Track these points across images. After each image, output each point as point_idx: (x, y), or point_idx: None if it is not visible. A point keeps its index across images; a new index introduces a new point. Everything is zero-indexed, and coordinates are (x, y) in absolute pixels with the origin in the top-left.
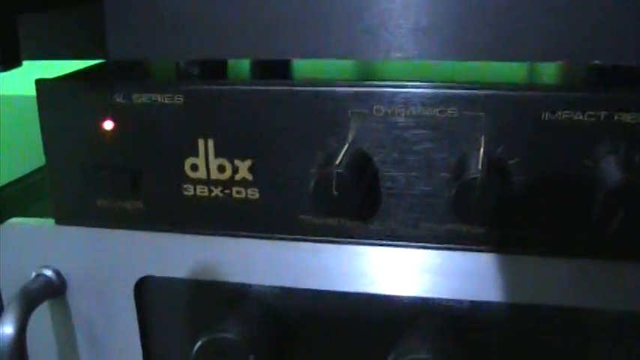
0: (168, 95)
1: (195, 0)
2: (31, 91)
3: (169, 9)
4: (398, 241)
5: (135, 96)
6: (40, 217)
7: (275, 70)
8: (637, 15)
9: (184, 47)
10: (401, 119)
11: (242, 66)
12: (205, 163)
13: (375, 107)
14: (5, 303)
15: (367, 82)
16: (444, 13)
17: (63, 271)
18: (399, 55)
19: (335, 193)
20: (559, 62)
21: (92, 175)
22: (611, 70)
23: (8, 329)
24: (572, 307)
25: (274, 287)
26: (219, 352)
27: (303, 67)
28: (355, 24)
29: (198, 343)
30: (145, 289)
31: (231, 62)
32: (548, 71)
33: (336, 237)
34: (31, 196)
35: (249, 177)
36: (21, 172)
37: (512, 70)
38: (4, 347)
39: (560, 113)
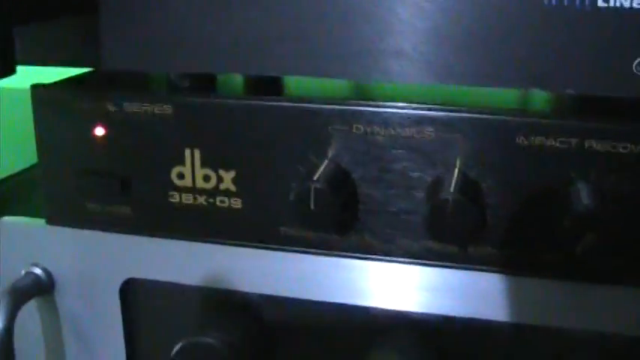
0: (158, 105)
1: (187, 14)
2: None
3: (162, 22)
4: (374, 254)
5: (126, 104)
6: (31, 214)
7: (267, 84)
8: (609, 47)
9: (176, 60)
10: (380, 138)
11: (233, 78)
12: (191, 172)
13: (354, 125)
14: None
15: (348, 101)
16: (424, 39)
17: (52, 270)
18: (380, 77)
19: (313, 207)
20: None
21: (83, 179)
22: (588, 99)
23: None
24: (539, 325)
25: (255, 294)
26: (198, 356)
27: (294, 82)
28: (340, 46)
29: (177, 346)
30: (131, 291)
31: (222, 75)
32: (535, 96)
33: (315, 248)
34: (25, 192)
35: (233, 187)
36: (16, 168)
37: (498, 93)
38: None
39: (533, 138)
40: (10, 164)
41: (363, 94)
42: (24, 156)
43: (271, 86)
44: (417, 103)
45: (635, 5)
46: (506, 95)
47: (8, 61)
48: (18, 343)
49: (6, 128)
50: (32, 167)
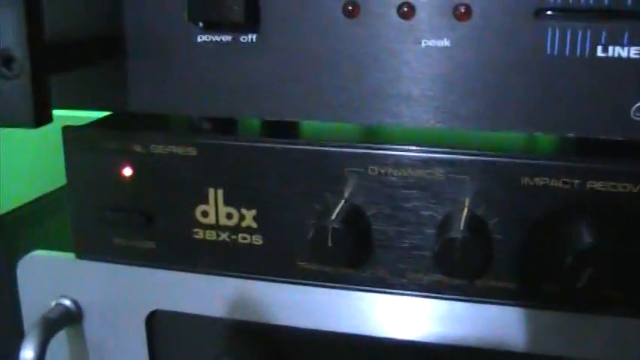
0: (183, 147)
1: (209, 59)
2: None
3: (185, 67)
4: (387, 288)
5: (152, 146)
6: (48, 241)
7: (284, 126)
8: (608, 93)
9: (197, 103)
10: (393, 178)
11: (252, 120)
12: (215, 210)
13: (369, 167)
14: (26, 330)
15: (363, 144)
16: (432, 85)
17: (80, 302)
18: (391, 121)
19: (330, 244)
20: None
21: (110, 216)
22: (590, 141)
23: (29, 354)
24: (546, 354)
25: (273, 325)
26: None
27: (310, 124)
28: (353, 92)
29: None
30: (156, 322)
31: None
32: (540, 138)
33: (331, 282)
34: (39, 220)
35: (254, 225)
36: (26, 197)
37: (504, 135)
38: None
39: (537, 179)
40: (17, 194)
41: (375, 137)
42: (27, 188)
43: (287, 128)
44: (427, 145)
45: (632, 55)
46: (512, 136)
47: (46, 110)
48: None
49: (9, 161)
50: (40, 198)
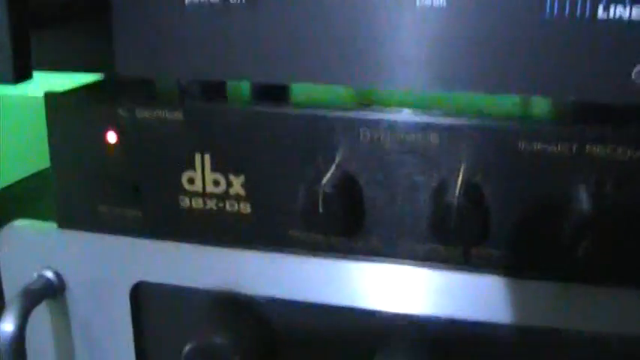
0: (169, 111)
1: (199, 22)
2: (33, 91)
3: (173, 30)
4: (380, 257)
5: (137, 110)
6: (41, 218)
7: (274, 91)
8: (608, 55)
9: (186, 67)
10: (386, 144)
11: (242, 85)
12: (201, 177)
13: (361, 131)
14: (7, 301)
15: (355, 108)
16: (428, 47)
17: (63, 273)
18: (385, 84)
19: (321, 210)
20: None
21: (94, 184)
22: (588, 106)
23: (9, 326)
24: (541, 326)
25: (263, 297)
26: (207, 356)
27: (300, 89)
28: (345, 53)
29: (187, 348)
30: (141, 294)
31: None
32: (536, 103)
33: (322, 251)
34: (32, 198)
35: (242, 192)
36: (23, 174)
37: (499, 100)
38: (4, 343)
39: (535, 144)
40: (13, 171)
41: (368, 101)
42: (26, 163)
43: (278, 92)
44: (422, 109)
45: (634, 16)
46: (508, 101)
47: (25, 65)
48: (29, 345)
49: (7, 136)
50: (37, 174)
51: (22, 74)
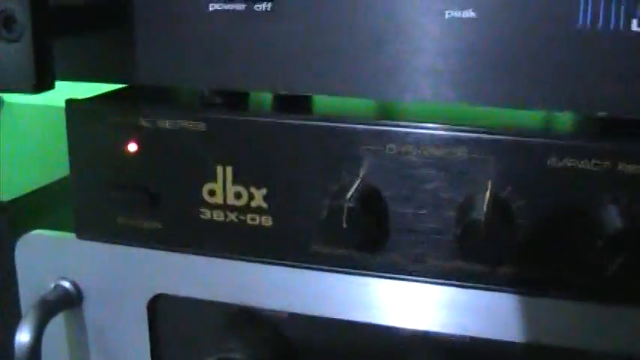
0: (191, 121)
1: (221, 30)
2: (52, 100)
3: (196, 39)
4: (404, 274)
5: (159, 121)
6: (57, 228)
7: (296, 102)
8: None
9: (208, 76)
10: (412, 158)
11: (264, 96)
12: (223, 189)
13: (387, 145)
14: (23, 312)
15: (381, 121)
16: (456, 59)
17: (80, 284)
18: (411, 96)
19: (345, 225)
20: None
21: (114, 194)
22: (615, 121)
23: (25, 337)
24: (571, 347)
25: (283, 312)
26: None
27: (324, 100)
28: (371, 65)
29: None
30: (158, 307)
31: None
32: (560, 118)
33: (345, 267)
34: (49, 207)
35: (264, 205)
36: (39, 183)
37: (522, 114)
38: (20, 354)
39: (565, 160)
40: (30, 180)
41: (394, 114)
42: (43, 172)
43: (300, 103)
44: (449, 123)
45: None
46: (536, 116)
47: (48, 74)
48: (46, 355)
49: (24, 144)
50: (54, 183)
51: (44, 83)
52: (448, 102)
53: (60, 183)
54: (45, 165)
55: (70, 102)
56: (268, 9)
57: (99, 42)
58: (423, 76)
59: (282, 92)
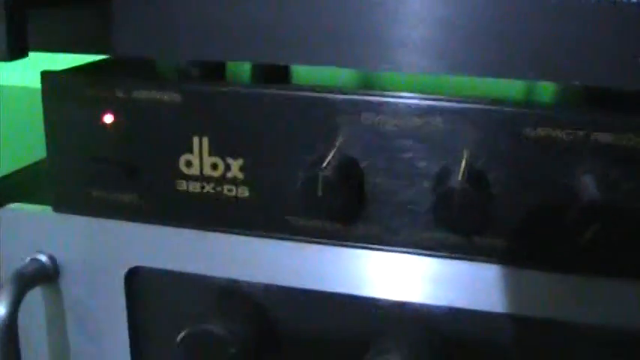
0: (167, 93)
1: (198, 2)
2: (34, 82)
3: (173, 10)
4: (380, 244)
5: (135, 92)
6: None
7: (274, 73)
8: (617, 39)
9: (185, 48)
10: (388, 127)
11: (242, 67)
12: (199, 160)
13: (363, 115)
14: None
15: (357, 91)
16: (433, 29)
17: (57, 257)
18: (388, 66)
19: (320, 194)
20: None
21: (90, 166)
22: (594, 91)
23: (1, 310)
24: (544, 318)
25: (259, 284)
26: (202, 343)
27: (300, 71)
28: (348, 35)
29: (182, 334)
30: (136, 279)
31: (231, 63)
32: (540, 88)
33: (321, 238)
34: (30, 186)
35: (240, 176)
36: (22, 164)
37: (509, 86)
38: None
39: (539, 130)
40: (12, 161)
41: (370, 84)
42: (25, 153)
43: (278, 75)
44: (425, 93)
45: None
46: (512, 86)
47: (21, 42)
48: (22, 330)
49: (7, 126)
50: (36, 163)
51: (17, 51)
52: (426, 72)
53: (41, 163)
54: (29, 146)
55: (45, 74)
56: None
57: (75, 13)
58: (399, 47)
59: (259, 61)
